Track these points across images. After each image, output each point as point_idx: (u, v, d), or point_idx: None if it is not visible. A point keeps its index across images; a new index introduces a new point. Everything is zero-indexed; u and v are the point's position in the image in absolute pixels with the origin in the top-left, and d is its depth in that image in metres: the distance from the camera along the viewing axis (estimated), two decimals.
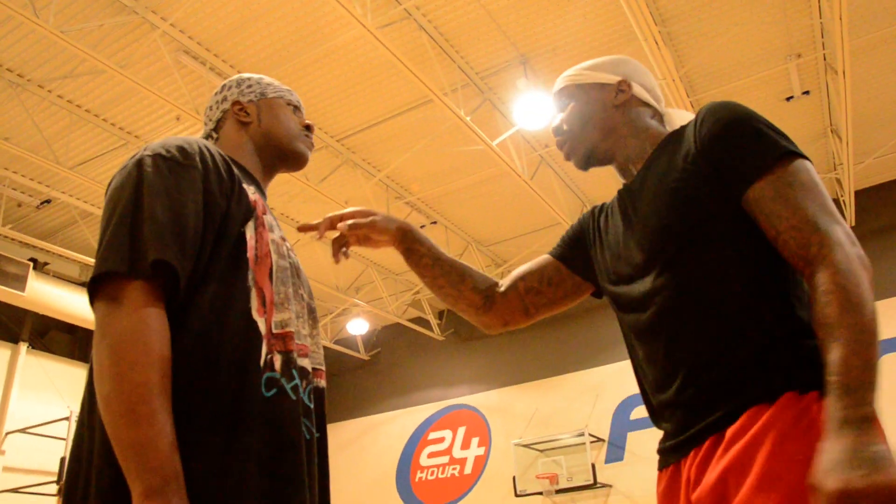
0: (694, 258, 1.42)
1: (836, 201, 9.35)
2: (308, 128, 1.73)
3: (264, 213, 1.46)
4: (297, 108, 1.73)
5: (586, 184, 9.08)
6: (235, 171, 1.46)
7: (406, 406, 12.14)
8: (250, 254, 1.37)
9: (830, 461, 1.08)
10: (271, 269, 1.40)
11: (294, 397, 1.34)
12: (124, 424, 1.10)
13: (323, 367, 1.53)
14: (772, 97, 7.63)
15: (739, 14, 6.43)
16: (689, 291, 1.42)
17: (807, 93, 7.53)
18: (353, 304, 10.90)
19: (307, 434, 1.36)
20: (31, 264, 8.82)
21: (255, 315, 1.32)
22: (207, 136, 1.69)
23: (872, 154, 8.39)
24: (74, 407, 9.73)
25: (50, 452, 9.21)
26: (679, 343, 1.42)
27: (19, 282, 8.55)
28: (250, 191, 1.46)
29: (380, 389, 12.49)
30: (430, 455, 11.72)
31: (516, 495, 10.19)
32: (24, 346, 9.66)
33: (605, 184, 9.07)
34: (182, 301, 1.25)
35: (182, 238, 1.25)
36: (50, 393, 9.84)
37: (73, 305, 9.29)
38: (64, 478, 1.26)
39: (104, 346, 1.16)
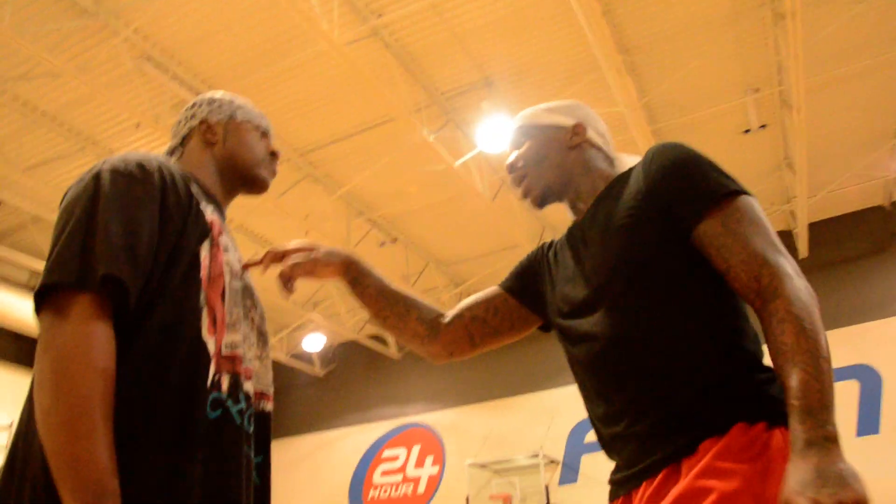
0: (642, 293, 1.47)
1: (790, 233, 9.54)
2: (273, 154, 1.73)
3: (220, 234, 1.46)
4: (264, 134, 1.72)
5: (548, 208, 9.11)
6: (193, 189, 1.46)
7: (360, 423, 12.04)
8: (203, 273, 1.36)
9: (798, 481, 1.11)
10: (224, 290, 1.40)
11: (238, 421, 1.34)
12: (62, 438, 1.08)
13: (270, 391, 1.52)
14: (730, 129, 7.77)
15: (701, 48, 6.55)
16: (639, 326, 1.46)
17: (764, 126, 7.69)
18: (309, 319, 10.80)
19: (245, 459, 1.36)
20: None
21: (205, 335, 1.32)
22: (172, 151, 1.68)
23: (825, 188, 8.59)
24: (16, 416, 9.46)
25: None
26: (630, 378, 1.46)
27: None
28: (208, 210, 1.46)
29: (335, 406, 12.37)
30: (384, 473, 11.62)
31: None
32: None
33: (564, 208, 9.12)
34: (132, 318, 1.24)
35: (134, 254, 1.24)
36: None
37: (21, 311, 9.05)
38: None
39: (47, 359, 1.14)
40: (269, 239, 9.23)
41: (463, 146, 7.48)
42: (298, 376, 12.60)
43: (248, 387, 1.40)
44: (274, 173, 1.72)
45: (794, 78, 6.08)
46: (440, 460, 11.21)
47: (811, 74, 6.49)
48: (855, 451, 9.19)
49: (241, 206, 8.20)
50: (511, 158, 1.81)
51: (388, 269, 9.59)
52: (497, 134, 6.97)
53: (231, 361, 1.36)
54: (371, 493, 11.53)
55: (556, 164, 1.75)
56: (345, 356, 12.61)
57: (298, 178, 7.99)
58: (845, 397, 8.86)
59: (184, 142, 1.67)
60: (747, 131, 7.76)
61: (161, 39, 6.27)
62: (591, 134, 1.75)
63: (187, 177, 1.49)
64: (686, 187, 1.47)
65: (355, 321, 11.27)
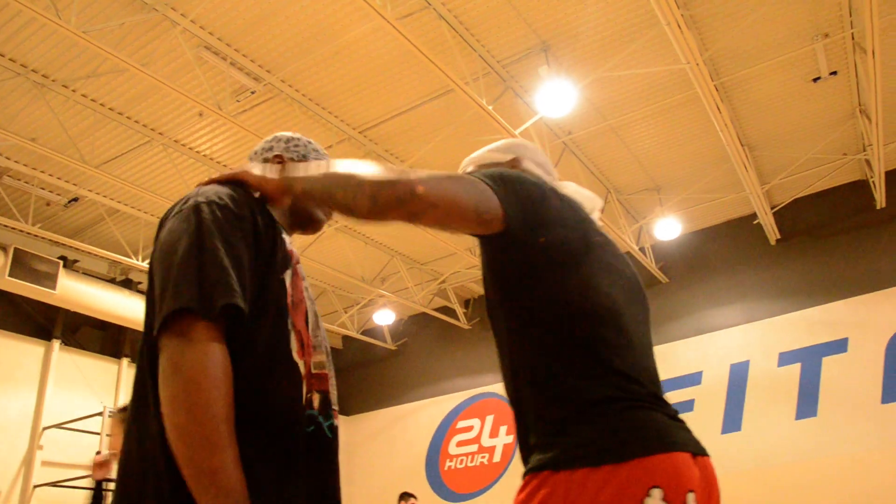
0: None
1: (866, 183, 9.20)
2: None
3: (298, 263, 1.56)
4: None
5: (611, 170, 9.00)
6: (274, 219, 1.56)
7: (434, 395, 12.17)
8: (289, 300, 1.46)
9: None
10: (307, 315, 1.51)
11: (330, 435, 1.47)
12: (200, 452, 1.18)
13: (337, 407, 1.62)
14: (798, 78, 7.49)
15: None
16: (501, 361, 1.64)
17: (834, 73, 7.38)
18: (378, 294, 10.93)
19: None
20: (61, 262, 8.93)
21: (296, 357, 1.43)
22: None
23: None
24: (107, 402, 9.87)
25: (85, 447, 9.35)
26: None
27: (50, 280, 8.67)
28: (287, 240, 1.55)
29: (408, 379, 12.53)
30: (459, 444, 11.74)
31: None
32: (56, 343, 9.79)
33: (629, 170, 8.98)
34: (238, 341, 1.33)
35: (242, 284, 1.33)
36: (83, 388, 9.98)
37: (103, 301, 9.40)
38: (117, 476, 1.34)
39: (178, 380, 1.23)
40: (335, 219, 9.33)
41: (522, 113, 7.41)
42: (371, 352, 12.79)
43: (335, 403, 1.53)
44: (330, 216, 1.81)
45: (867, 19, 5.80)
46: (514, 429, 11.26)
47: (884, 14, 6.19)
48: None
49: None
50: None
51: (456, 240, 9.62)
52: (556, 99, 6.87)
53: (320, 380, 1.48)
54: (447, 463, 11.67)
55: None
56: (415, 329, 12.73)
57: (360, 156, 8.05)
58: None
59: None
60: (817, 79, 7.47)
61: (217, 28, 6.36)
62: (528, 165, 1.84)
63: (265, 206, 1.56)
64: None
65: (423, 294, 11.35)
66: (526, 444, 1.44)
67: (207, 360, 1.24)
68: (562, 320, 1.42)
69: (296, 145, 1.81)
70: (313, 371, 1.47)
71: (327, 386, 1.51)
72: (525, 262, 1.47)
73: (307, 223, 1.77)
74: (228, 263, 1.33)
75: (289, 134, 1.84)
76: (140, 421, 1.33)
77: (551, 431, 1.35)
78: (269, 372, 1.37)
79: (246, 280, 1.35)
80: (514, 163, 1.84)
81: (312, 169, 1.51)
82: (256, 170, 1.57)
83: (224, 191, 1.47)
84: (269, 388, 1.36)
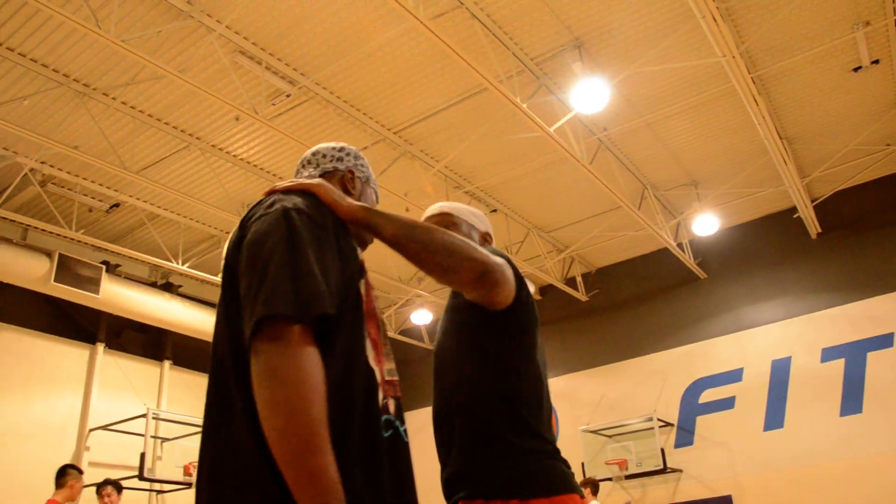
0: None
1: None
2: None
3: (367, 272, 1.60)
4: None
5: (647, 166, 8.92)
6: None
7: None
8: (364, 308, 1.51)
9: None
10: (379, 323, 1.56)
11: (406, 439, 1.53)
12: (301, 454, 1.20)
13: None
14: (838, 68, 7.36)
15: None
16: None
17: (876, 62, 7.23)
18: (416, 294, 10.96)
19: None
20: (104, 267, 9.10)
21: (372, 363, 1.48)
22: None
23: None
24: (150, 404, 10.03)
25: (130, 447, 9.51)
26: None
27: (94, 284, 8.84)
28: (358, 250, 1.60)
29: None
30: None
31: None
32: (101, 347, 9.98)
33: (665, 166, 8.90)
34: (321, 348, 1.35)
35: (332, 291, 1.37)
36: (127, 391, 10.15)
37: (145, 305, 9.56)
38: (203, 482, 1.35)
39: (277, 383, 1.24)
40: None
41: (557, 110, 7.37)
42: (408, 352, 12.83)
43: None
44: (372, 240, 1.87)
45: None
46: (553, 428, 11.20)
47: None
48: None
49: None
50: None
51: (497, 241, 9.60)
52: (590, 95, 6.83)
53: (393, 387, 1.55)
54: None
55: None
56: None
57: (395, 156, 8.08)
58: None
59: (323, 176, 1.80)
60: (857, 69, 7.32)
61: (252, 33, 6.43)
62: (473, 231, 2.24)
63: (341, 218, 1.61)
64: None
65: None
66: (453, 477, 1.85)
67: (306, 363, 1.26)
68: (505, 383, 1.88)
69: (363, 165, 1.87)
70: (387, 378, 1.52)
71: (399, 392, 1.57)
72: (495, 333, 1.90)
73: (358, 243, 1.77)
74: (320, 270, 1.36)
75: (355, 150, 1.88)
76: (225, 426, 1.35)
77: (485, 469, 1.80)
78: (350, 378, 1.40)
79: (334, 289, 1.38)
80: (488, 237, 2.26)
81: (397, 214, 1.69)
82: (336, 189, 1.63)
83: (307, 200, 1.51)
84: (351, 394, 1.39)
